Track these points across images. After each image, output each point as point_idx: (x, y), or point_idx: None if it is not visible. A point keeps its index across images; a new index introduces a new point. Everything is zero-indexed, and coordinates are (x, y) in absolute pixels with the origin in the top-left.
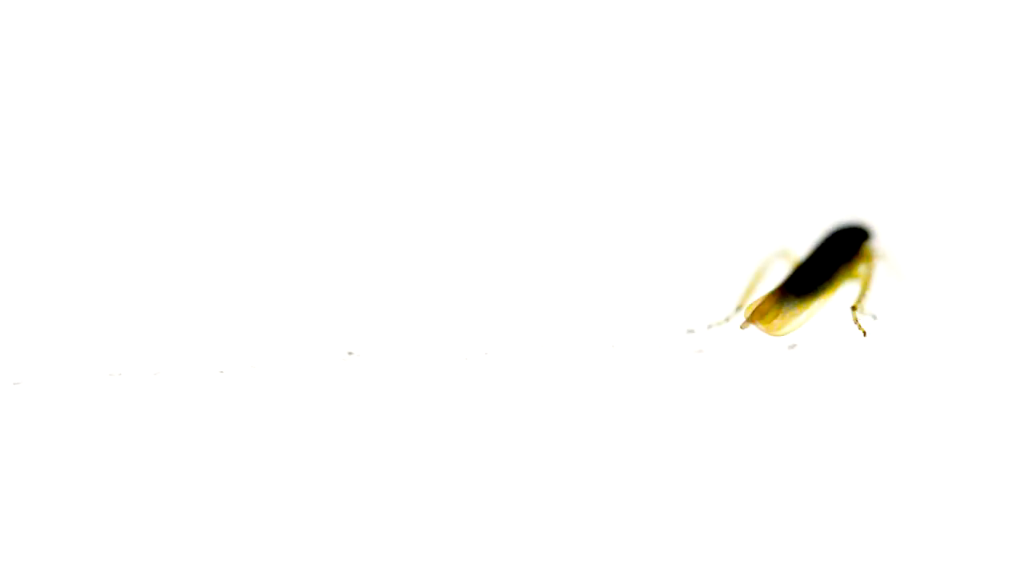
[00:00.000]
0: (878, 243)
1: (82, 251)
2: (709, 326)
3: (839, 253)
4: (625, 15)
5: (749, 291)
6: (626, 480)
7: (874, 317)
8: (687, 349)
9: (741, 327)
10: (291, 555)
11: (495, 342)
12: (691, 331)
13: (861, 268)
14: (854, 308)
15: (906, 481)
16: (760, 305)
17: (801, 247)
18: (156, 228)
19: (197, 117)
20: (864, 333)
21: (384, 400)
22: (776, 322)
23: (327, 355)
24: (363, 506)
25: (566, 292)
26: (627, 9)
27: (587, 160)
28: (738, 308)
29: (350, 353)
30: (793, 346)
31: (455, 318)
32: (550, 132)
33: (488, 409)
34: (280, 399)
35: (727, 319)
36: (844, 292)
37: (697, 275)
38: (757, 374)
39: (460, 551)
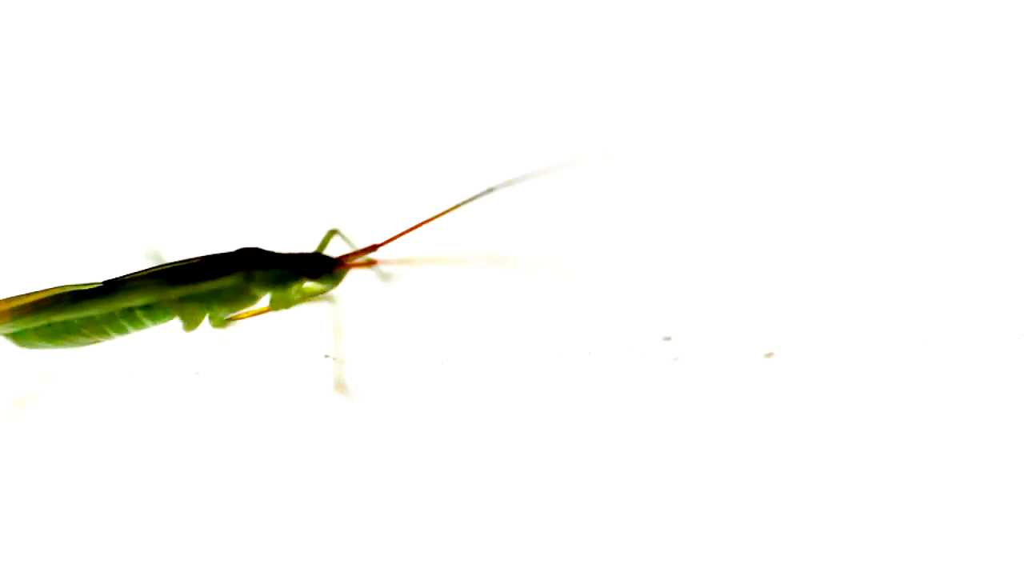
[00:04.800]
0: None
1: (62, 248)
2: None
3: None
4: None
5: None
6: (603, 487)
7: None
8: (663, 356)
9: None
10: (270, 557)
11: (471, 347)
12: (667, 338)
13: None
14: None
15: (885, 489)
16: None
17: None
18: (137, 227)
19: (183, 111)
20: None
21: (361, 405)
22: None
23: (303, 358)
24: (343, 509)
25: (543, 298)
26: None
27: (564, 167)
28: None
29: (326, 356)
30: (771, 354)
31: (432, 323)
32: (527, 140)
33: (464, 415)
34: (256, 401)
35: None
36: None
37: (673, 282)
38: (733, 382)
39: (438, 555)
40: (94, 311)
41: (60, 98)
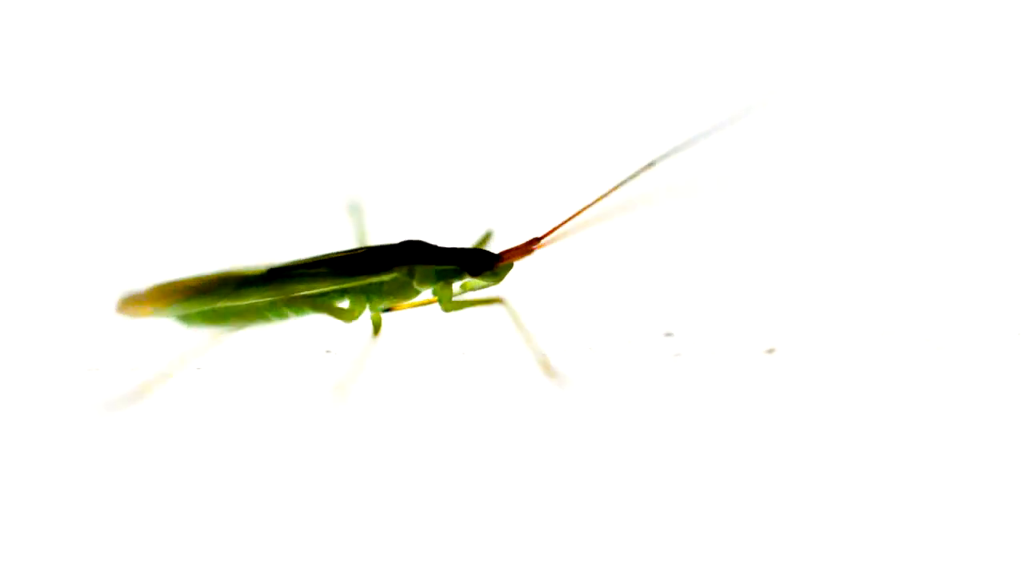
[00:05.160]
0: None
1: (60, 247)
2: None
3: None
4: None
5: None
6: (604, 482)
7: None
8: (665, 352)
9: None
10: (271, 552)
11: (472, 343)
12: (669, 334)
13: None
14: None
15: (885, 484)
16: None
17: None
18: (136, 224)
19: (178, 109)
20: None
21: (361, 400)
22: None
23: (304, 353)
24: (341, 504)
25: (544, 294)
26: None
27: (565, 163)
28: None
29: (328, 351)
30: (772, 350)
31: (432, 318)
32: (530, 134)
33: (464, 411)
34: (257, 396)
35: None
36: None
37: (675, 278)
38: (735, 378)
39: (437, 550)
40: (257, 297)
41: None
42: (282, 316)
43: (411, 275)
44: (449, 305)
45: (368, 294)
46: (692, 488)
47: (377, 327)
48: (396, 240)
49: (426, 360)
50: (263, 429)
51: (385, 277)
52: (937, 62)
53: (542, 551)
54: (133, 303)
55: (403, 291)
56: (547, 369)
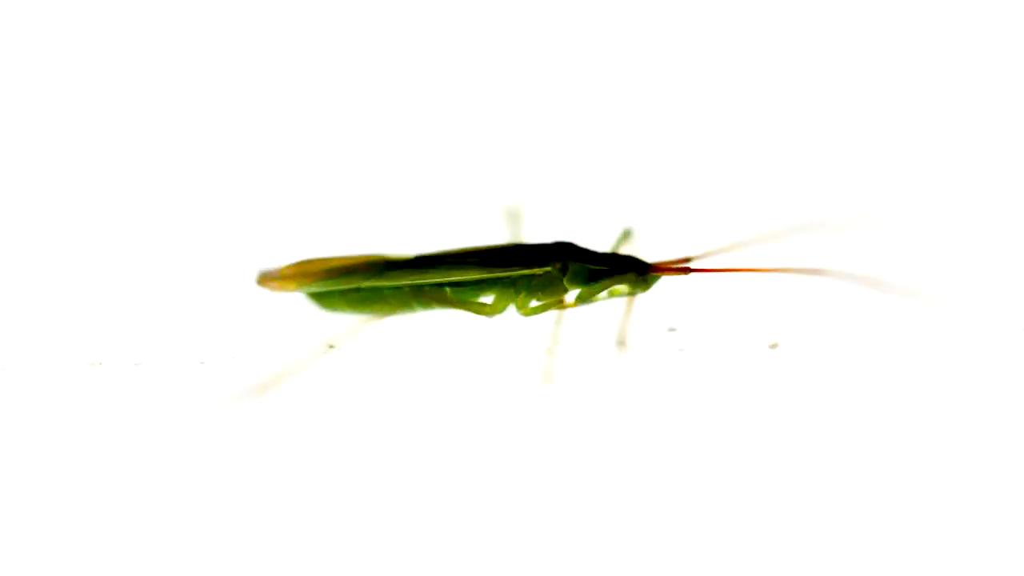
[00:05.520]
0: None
1: (63, 240)
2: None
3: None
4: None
5: None
6: (607, 478)
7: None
8: (668, 347)
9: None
10: (270, 547)
11: (473, 339)
12: (672, 329)
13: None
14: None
15: (886, 479)
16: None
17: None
18: (138, 217)
19: (176, 106)
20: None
21: (364, 394)
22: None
23: (307, 348)
24: (342, 499)
25: None
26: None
27: (566, 157)
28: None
29: (331, 346)
30: (775, 345)
31: (434, 313)
32: (528, 129)
33: (468, 406)
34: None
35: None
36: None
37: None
38: (739, 372)
39: (441, 546)
40: (404, 282)
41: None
42: (423, 306)
43: (564, 272)
44: (586, 300)
45: (517, 288)
46: (696, 483)
47: (541, 311)
48: (548, 240)
49: (430, 361)
50: (264, 423)
51: (537, 271)
52: (942, 59)
53: (547, 544)
54: (275, 277)
55: (551, 288)
56: (621, 339)
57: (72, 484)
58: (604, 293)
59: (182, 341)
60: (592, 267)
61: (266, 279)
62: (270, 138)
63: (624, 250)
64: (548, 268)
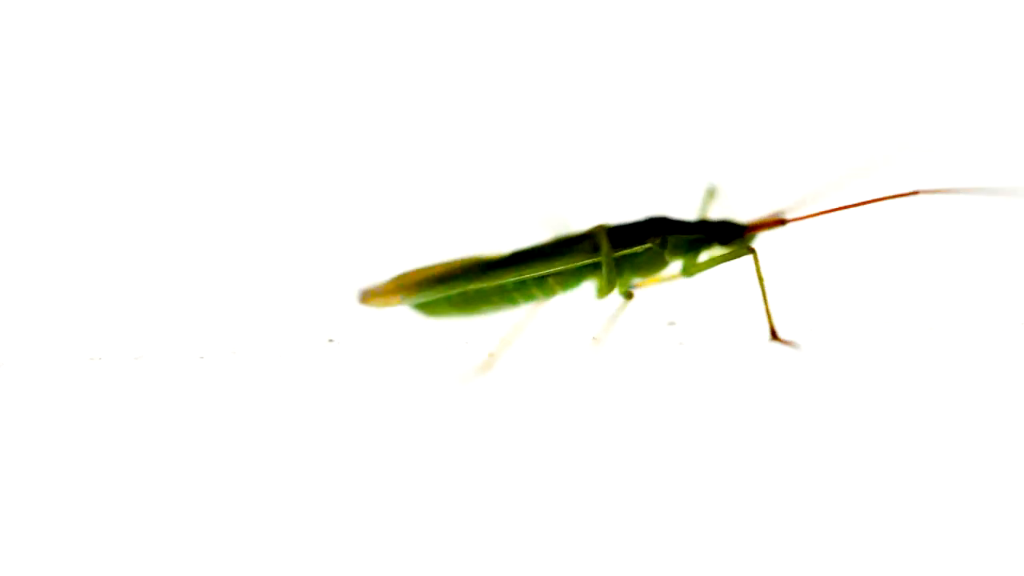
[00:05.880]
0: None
1: (63, 235)
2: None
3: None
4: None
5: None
6: (607, 472)
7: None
8: (668, 341)
9: None
10: (270, 541)
11: (475, 333)
12: (672, 323)
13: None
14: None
15: (885, 473)
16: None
17: None
18: (138, 214)
19: (177, 105)
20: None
21: (364, 388)
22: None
23: (308, 342)
24: (342, 493)
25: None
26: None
27: (566, 152)
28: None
29: (331, 340)
30: (775, 339)
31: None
32: (528, 123)
33: (468, 400)
34: (261, 385)
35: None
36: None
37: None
38: (738, 366)
39: (438, 542)
40: (506, 280)
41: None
42: (531, 298)
43: (663, 246)
44: (694, 270)
45: (619, 269)
46: (696, 477)
47: (629, 297)
48: (640, 217)
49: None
50: (265, 418)
51: (638, 249)
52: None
53: (550, 537)
54: (378, 294)
55: (654, 264)
56: (773, 335)
57: (72, 479)
58: (706, 260)
59: (182, 336)
60: (690, 236)
61: (369, 296)
62: (279, 137)
63: (711, 208)
64: (648, 245)
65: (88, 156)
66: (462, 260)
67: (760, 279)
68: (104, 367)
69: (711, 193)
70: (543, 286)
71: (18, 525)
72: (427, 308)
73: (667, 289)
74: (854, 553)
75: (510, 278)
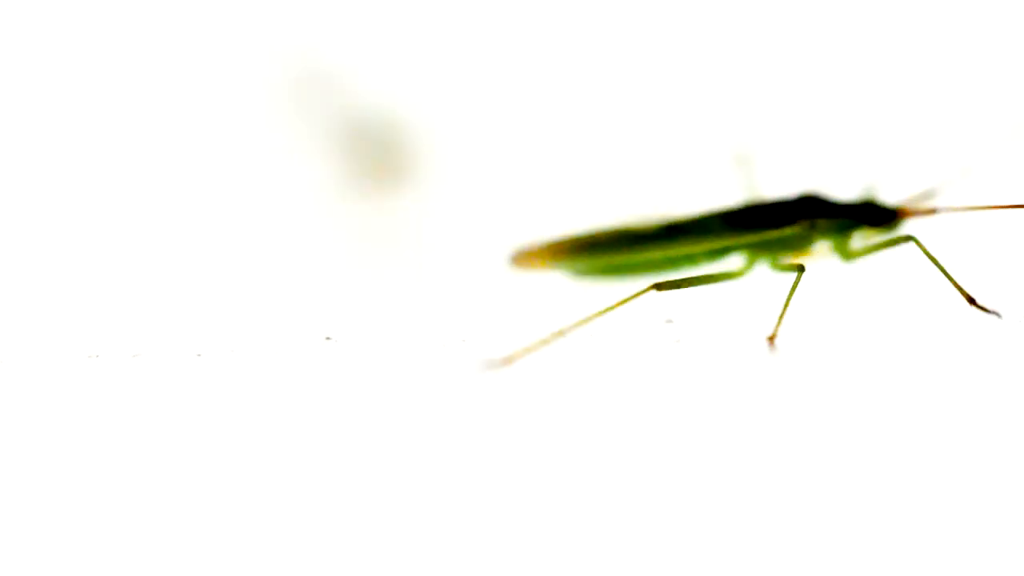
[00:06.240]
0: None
1: (61, 234)
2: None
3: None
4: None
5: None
6: (604, 469)
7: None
8: (665, 339)
9: None
10: (267, 537)
11: (472, 330)
12: (669, 321)
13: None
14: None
15: (883, 472)
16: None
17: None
18: (136, 213)
19: (177, 105)
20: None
21: (361, 385)
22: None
23: (305, 340)
24: (339, 490)
25: (545, 279)
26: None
27: (566, 148)
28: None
29: (328, 338)
30: (772, 337)
31: (433, 304)
32: (527, 120)
33: (465, 396)
34: (258, 383)
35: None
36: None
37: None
38: (735, 364)
39: (436, 536)
40: (654, 252)
41: None
42: (676, 268)
43: (813, 228)
44: (849, 255)
45: (768, 248)
46: (693, 474)
47: (801, 271)
48: (791, 195)
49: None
50: (262, 415)
51: (787, 231)
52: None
53: (550, 532)
54: (528, 257)
55: (802, 244)
56: (971, 302)
57: (72, 475)
58: (865, 246)
59: (179, 333)
60: (839, 220)
61: (521, 258)
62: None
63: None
64: (798, 227)
65: (87, 156)
66: (614, 229)
67: (933, 260)
68: (102, 364)
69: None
70: (691, 260)
71: (18, 522)
72: (577, 273)
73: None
74: (850, 551)
75: (658, 250)
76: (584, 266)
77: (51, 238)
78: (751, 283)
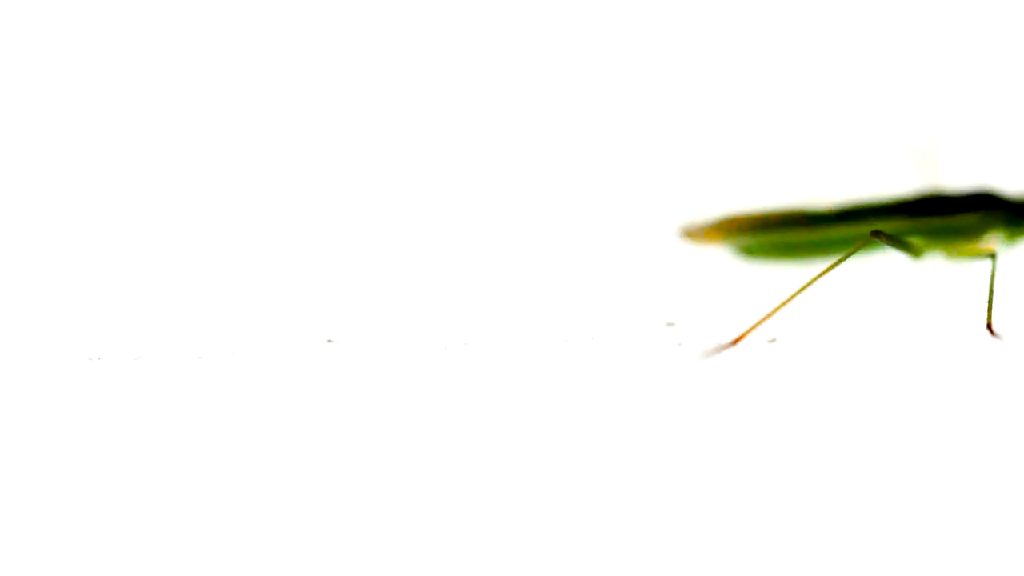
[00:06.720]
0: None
1: (63, 236)
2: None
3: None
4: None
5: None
6: (605, 472)
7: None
8: (667, 342)
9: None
10: (269, 539)
11: (475, 332)
12: (671, 324)
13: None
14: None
15: (884, 475)
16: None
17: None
18: (138, 215)
19: (177, 105)
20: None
21: (363, 388)
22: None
23: (306, 343)
24: (341, 493)
25: (547, 284)
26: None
27: (569, 154)
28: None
29: (329, 341)
30: (773, 340)
31: (435, 308)
32: (531, 123)
33: (467, 399)
34: (259, 386)
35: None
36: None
37: (677, 268)
38: (737, 367)
39: (436, 539)
40: (828, 234)
41: None
42: (850, 253)
43: (986, 221)
44: (1012, 243)
45: (940, 236)
46: (694, 477)
47: (994, 257)
48: (967, 188)
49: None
50: (264, 418)
51: (961, 220)
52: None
53: (549, 537)
54: (701, 232)
55: (972, 235)
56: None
57: (72, 478)
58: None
59: (181, 336)
60: (1016, 215)
61: (693, 233)
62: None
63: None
64: (970, 218)
65: (88, 157)
66: (788, 210)
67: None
68: (103, 367)
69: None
70: (866, 243)
71: (18, 524)
72: (748, 252)
73: (667, 289)
74: (851, 554)
75: (832, 232)
76: (757, 244)
77: (52, 239)
78: (752, 286)
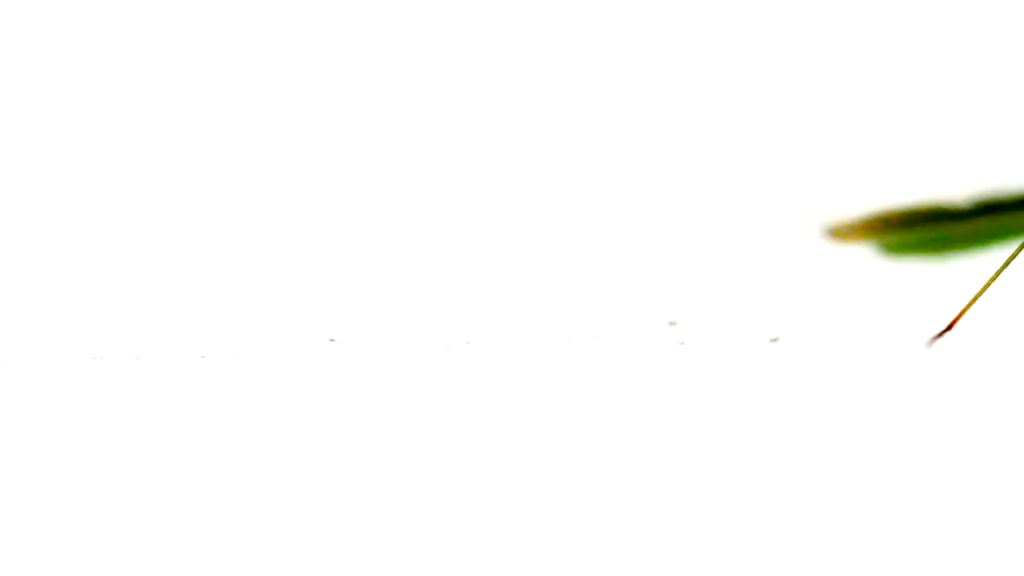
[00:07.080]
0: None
1: (64, 235)
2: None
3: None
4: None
5: None
6: (606, 472)
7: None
8: (669, 341)
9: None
10: (268, 543)
11: (477, 331)
12: (673, 323)
13: None
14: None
15: (885, 476)
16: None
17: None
18: (139, 213)
19: (177, 105)
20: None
21: (366, 388)
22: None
23: (309, 342)
24: (343, 494)
25: (548, 282)
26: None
27: (569, 151)
28: None
29: (332, 340)
30: (776, 339)
31: (437, 307)
32: (532, 122)
33: (469, 399)
34: (261, 385)
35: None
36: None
37: (679, 266)
38: (739, 367)
39: (437, 542)
40: (966, 228)
41: None
42: (987, 246)
43: None
44: None
45: None
46: (695, 479)
47: None
48: None
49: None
50: (266, 418)
51: None
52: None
53: (544, 539)
54: (848, 231)
55: None
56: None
57: (73, 479)
58: None
59: (183, 335)
60: None
61: (840, 232)
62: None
63: None
64: None
65: (88, 156)
66: (923, 206)
67: None
68: (105, 367)
69: None
70: (1004, 236)
71: (18, 525)
72: (893, 249)
73: (667, 289)
74: (853, 556)
75: (977, 226)
76: (903, 241)
77: (54, 239)
78: (753, 287)
